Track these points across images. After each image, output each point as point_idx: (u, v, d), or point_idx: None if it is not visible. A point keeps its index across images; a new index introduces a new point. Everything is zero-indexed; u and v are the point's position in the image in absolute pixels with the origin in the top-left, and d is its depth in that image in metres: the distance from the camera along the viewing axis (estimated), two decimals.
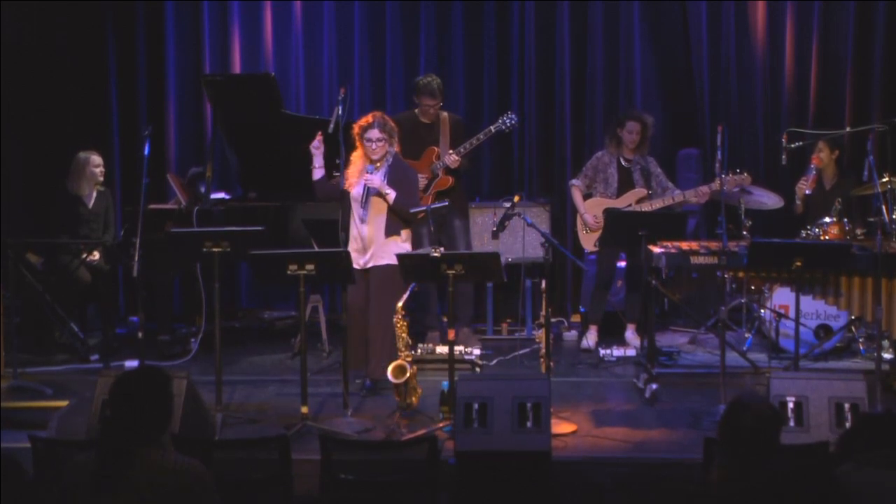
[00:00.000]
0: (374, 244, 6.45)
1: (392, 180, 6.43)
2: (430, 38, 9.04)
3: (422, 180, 7.47)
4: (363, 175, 6.44)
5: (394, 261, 6.34)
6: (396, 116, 7.87)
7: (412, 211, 6.43)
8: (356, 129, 6.45)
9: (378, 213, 6.47)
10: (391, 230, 6.49)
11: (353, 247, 6.44)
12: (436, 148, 7.54)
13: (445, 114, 7.64)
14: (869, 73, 8.57)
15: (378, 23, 9.05)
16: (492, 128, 7.51)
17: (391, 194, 6.41)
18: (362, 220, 6.47)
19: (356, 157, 6.52)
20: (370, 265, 6.47)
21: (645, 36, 8.90)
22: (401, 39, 9.05)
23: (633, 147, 7.61)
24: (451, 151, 7.44)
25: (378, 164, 6.41)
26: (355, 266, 6.27)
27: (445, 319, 8.08)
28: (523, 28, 8.92)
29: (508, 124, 7.50)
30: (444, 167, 7.49)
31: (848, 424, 5.03)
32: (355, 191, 6.49)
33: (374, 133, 6.37)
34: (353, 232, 6.53)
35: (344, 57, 9.06)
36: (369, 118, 6.45)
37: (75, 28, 8.94)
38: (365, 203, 6.41)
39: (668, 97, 8.98)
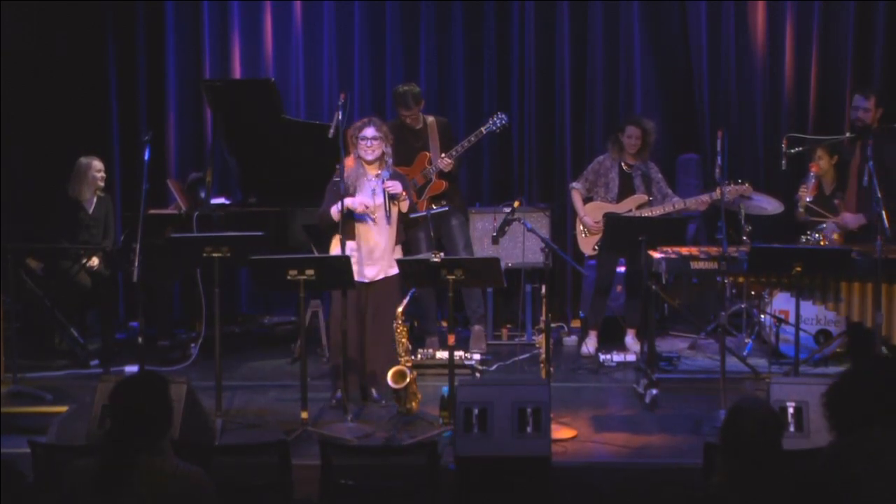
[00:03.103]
0: (386, 254, 6.33)
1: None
2: (431, 41, 9.05)
3: (415, 186, 7.50)
4: (362, 180, 6.32)
5: (397, 269, 6.33)
6: (386, 124, 7.89)
7: (412, 216, 6.42)
8: (350, 131, 6.35)
9: (393, 224, 6.35)
10: (399, 238, 6.44)
11: (356, 259, 6.21)
12: (427, 153, 7.53)
13: (431, 118, 7.63)
14: (869, 76, 8.58)
15: (378, 25, 9.06)
16: (482, 129, 7.50)
17: (408, 201, 6.35)
18: (374, 230, 6.30)
19: (349, 161, 6.38)
20: (380, 276, 6.33)
21: (645, 38, 8.91)
22: (401, 42, 9.06)
23: (634, 152, 7.62)
24: (443, 155, 7.43)
25: (378, 170, 6.31)
26: (361, 279, 6.18)
27: (445, 324, 8.11)
28: (523, 30, 8.94)
29: (499, 124, 7.49)
30: (437, 171, 7.49)
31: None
32: (361, 199, 6.29)
33: (370, 131, 6.28)
34: (361, 244, 6.29)
35: (344, 61, 9.07)
36: (365, 119, 6.41)
37: (75, 32, 8.96)
38: (388, 211, 6.25)
39: (668, 101, 8.99)
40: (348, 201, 6.22)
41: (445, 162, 7.41)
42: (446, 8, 9.04)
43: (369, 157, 6.30)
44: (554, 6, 8.92)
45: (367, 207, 6.28)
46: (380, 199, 6.29)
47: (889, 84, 8.53)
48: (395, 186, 6.25)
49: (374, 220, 6.30)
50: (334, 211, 6.22)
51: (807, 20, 8.71)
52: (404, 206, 6.35)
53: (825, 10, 8.69)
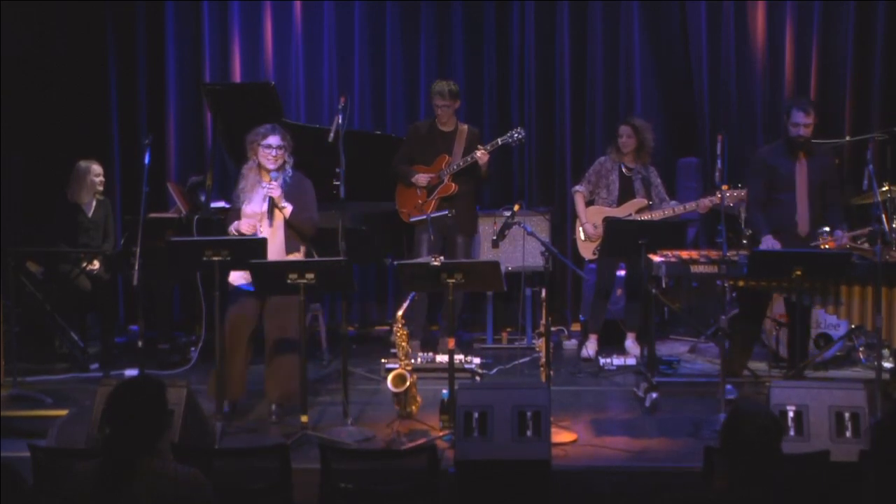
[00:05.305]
0: None
1: (288, 194, 6.24)
2: (431, 42, 9.06)
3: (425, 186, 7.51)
4: (256, 188, 6.23)
5: None
6: (418, 122, 7.93)
7: (412, 220, 6.39)
8: (251, 136, 6.27)
9: (276, 230, 6.25)
10: (291, 246, 6.30)
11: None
12: (447, 156, 7.55)
13: (466, 126, 7.66)
14: (869, 79, 8.59)
15: (378, 27, 9.08)
16: (499, 140, 7.50)
17: (288, 208, 6.21)
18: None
19: (248, 170, 6.33)
20: None
21: (645, 39, 8.93)
22: (401, 43, 9.07)
23: (629, 152, 7.63)
24: (479, 146, 7.42)
25: (277, 175, 6.22)
26: (248, 286, 6.07)
27: (435, 328, 8.09)
28: (523, 31, 8.96)
29: (516, 138, 7.48)
30: (450, 174, 7.49)
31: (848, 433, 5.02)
32: (250, 207, 6.26)
33: (275, 139, 6.19)
34: None
35: (344, 62, 9.08)
36: (268, 126, 6.31)
37: (76, 36, 8.96)
38: (270, 215, 6.17)
39: (668, 104, 9.00)
40: (242, 227, 6.20)
41: (481, 153, 7.37)
42: (446, 9, 9.06)
43: (272, 166, 6.22)
44: (554, 7, 8.94)
45: (257, 224, 6.20)
46: (265, 206, 6.21)
47: (889, 84, 8.54)
48: (273, 190, 6.13)
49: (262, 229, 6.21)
50: (231, 230, 6.24)
51: (807, 20, 8.72)
52: (286, 212, 6.21)
53: (825, 10, 8.70)
